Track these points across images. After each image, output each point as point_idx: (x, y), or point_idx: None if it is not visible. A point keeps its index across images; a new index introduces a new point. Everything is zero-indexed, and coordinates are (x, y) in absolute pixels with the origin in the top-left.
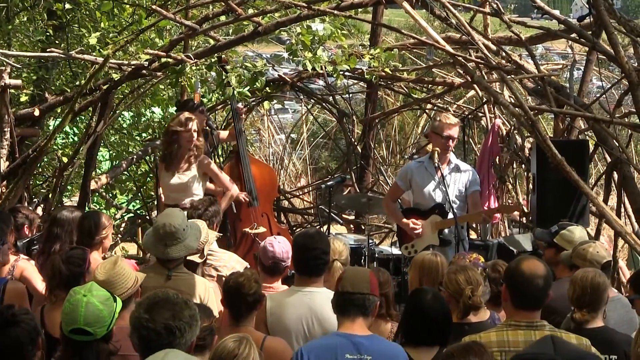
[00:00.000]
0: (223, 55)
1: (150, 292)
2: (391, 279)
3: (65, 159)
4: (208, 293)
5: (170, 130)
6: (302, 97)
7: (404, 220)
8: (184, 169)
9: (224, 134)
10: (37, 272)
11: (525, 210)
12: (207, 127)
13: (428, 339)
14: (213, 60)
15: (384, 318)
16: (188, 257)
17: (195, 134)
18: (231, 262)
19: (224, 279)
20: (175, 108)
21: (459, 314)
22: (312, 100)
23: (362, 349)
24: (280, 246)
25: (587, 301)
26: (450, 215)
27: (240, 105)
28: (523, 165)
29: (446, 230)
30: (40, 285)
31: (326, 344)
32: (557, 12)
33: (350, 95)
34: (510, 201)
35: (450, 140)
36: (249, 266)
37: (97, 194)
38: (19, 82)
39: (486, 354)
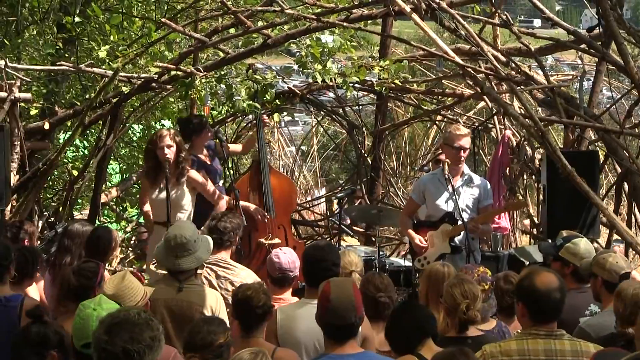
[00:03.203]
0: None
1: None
2: (391, 282)
3: (75, 172)
4: (219, 304)
5: (146, 149)
6: (311, 109)
7: (412, 233)
8: (172, 184)
9: (234, 147)
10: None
11: (532, 212)
12: (217, 140)
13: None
14: (223, 72)
15: None
16: None
17: (169, 150)
18: (248, 280)
19: None
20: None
21: (456, 329)
22: (322, 112)
23: None
24: (286, 257)
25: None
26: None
27: (266, 118)
28: (533, 177)
29: (457, 239)
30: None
31: None
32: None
33: (360, 107)
34: (521, 221)
35: (462, 151)
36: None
37: (107, 207)
38: (28, 95)
39: None
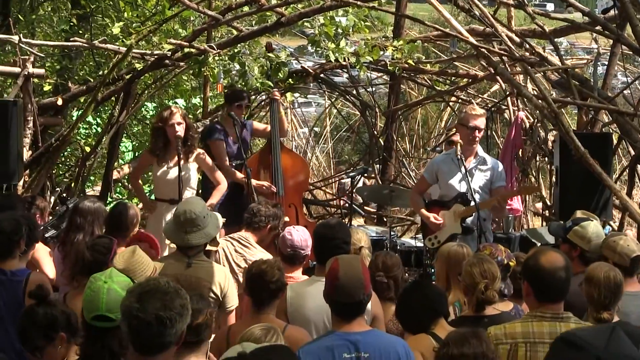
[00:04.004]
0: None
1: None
2: (400, 261)
3: (87, 149)
4: (228, 281)
5: (154, 127)
6: (324, 89)
7: (425, 212)
8: (181, 162)
9: (262, 126)
10: (49, 257)
11: (544, 194)
12: (230, 117)
13: (419, 328)
14: (236, 50)
15: (393, 301)
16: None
17: (179, 127)
18: None
19: None
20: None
21: (473, 308)
22: (335, 92)
23: (360, 346)
24: (299, 234)
25: (614, 301)
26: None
27: (276, 92)
28: (546, 158)
29: (469, 220)
30: (49, 269)
31: (324, 346)
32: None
33: (374, 88)
34: (534, 205)
35: (477, 131)
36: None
37: (119, 184)
38: (42, 71)
39: (482, 345)
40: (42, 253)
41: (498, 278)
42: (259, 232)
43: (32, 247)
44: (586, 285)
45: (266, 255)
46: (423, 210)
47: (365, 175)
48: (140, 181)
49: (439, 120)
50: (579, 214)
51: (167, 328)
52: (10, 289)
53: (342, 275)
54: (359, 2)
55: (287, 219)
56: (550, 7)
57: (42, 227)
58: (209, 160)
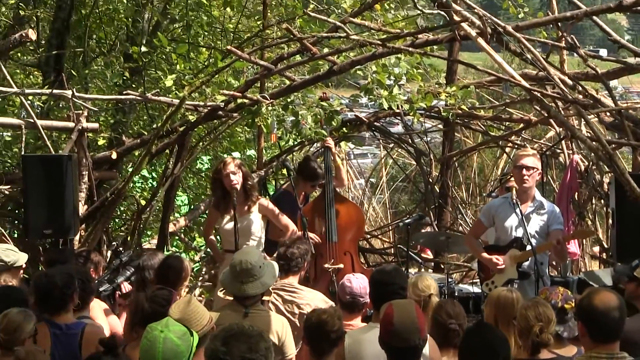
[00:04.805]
0: (323, 93)
1: (225, 325)
2: (462, 310)
3: (143, 202)
4: (285, 330)
5: (212, 179)
6: (379, 137)
7: (485, 255)
8: (240, 212)
9: None
10: (103, 314)
11: (601, 237)
12: (284, 168)
13: None
14: (289, 100)
15: None
16: None
17: (235, 177)
18: (315, 301)
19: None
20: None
21: (528, 351)
22: (390, 141)
23: None
24: (358, 282)
25: None
26: (528, 247)
27: (329, 139)
28: (602, 201)
29: (525, 264)
30: (104, 326)
31: None
32: None
33: (429, 138)
34: (592, 249)
35: (524, 170)
36: (333, 305)
37: (175, 236)
38: (96, 125)
39: None
40: (97, 311)
41: (553, 321)
42: (298, 273)
43: (89, 299)
44: None
45: (314, 294)
46: (483, 254)
47: (422, 222)
48: (212, 236)
49: (495, 168)
50: None
51: None
52: (65, 343)
53: (396, 320)
54: (410, 49)
55: (341, 265)
56: (604, 53)
57: (96, 282)
58: (272, 207)
